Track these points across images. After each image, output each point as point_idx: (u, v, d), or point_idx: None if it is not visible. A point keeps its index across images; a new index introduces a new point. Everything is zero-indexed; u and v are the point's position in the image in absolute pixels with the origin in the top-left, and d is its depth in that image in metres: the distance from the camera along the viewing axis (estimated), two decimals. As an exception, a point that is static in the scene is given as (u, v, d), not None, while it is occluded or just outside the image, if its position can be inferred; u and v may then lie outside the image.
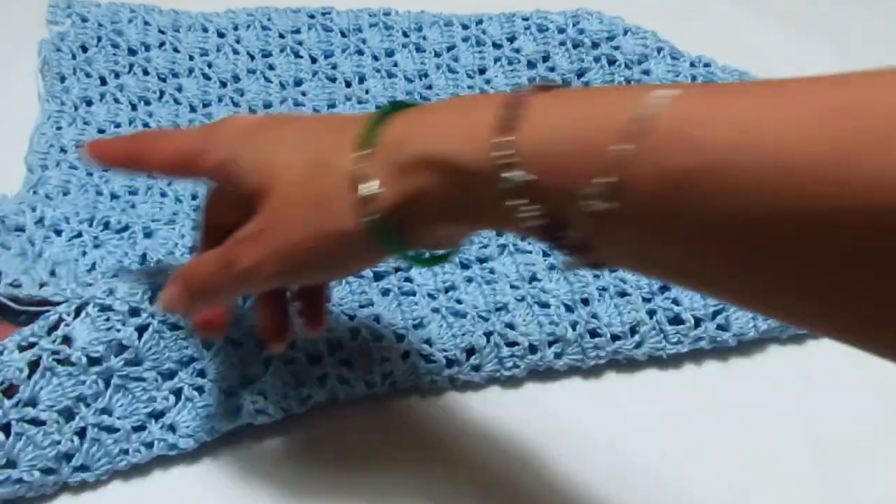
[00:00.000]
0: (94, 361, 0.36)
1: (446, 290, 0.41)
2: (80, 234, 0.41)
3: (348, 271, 0.29)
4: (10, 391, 0.34)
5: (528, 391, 0.41)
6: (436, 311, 0.40)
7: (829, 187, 0.16)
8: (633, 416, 0.40)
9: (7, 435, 0.34)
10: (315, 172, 0.26)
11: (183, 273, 0.30)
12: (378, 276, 0.41)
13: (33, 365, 0.34)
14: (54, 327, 0.36)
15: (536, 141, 0.21)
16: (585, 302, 0.40)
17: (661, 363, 0.41)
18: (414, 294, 0.40)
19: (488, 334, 0.39)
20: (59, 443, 0.35)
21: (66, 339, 0.36)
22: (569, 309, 0.40)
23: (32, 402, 0.35)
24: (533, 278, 0.41)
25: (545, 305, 0.40)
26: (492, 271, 0.41)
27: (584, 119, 0.21)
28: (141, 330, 0.37)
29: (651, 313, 0.40)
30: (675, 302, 0.40)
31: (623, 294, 0.40)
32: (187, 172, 0.32)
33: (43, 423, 0.35)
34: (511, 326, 0.40)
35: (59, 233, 0.41)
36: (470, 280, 0.41)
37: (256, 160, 0.28)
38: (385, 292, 0.40)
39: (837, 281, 0.17)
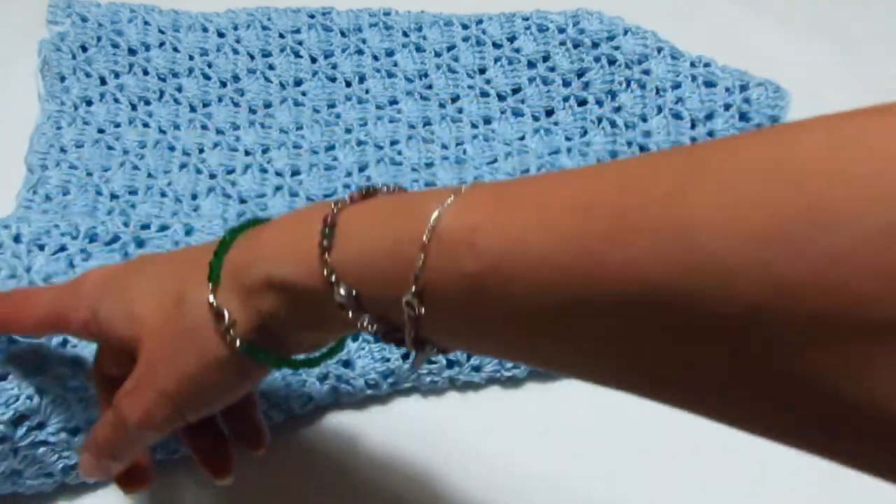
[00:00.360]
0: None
1: None
2: (63, 248, 0.40)
3: (240, 392, 0.29)
4: (19, 419, 0.33)
5: (528, 391, 0.40)
6: (406, 356, 0.39)
7: (584, 280, 0.18)
8: (632, 417, 0.40)
9: (15, 456, 0.33)
10: (177, 311, 0.27)
11: (88, 442, 0.30)
12: None
13: (41, 389, 0.34)
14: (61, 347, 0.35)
15: (351, 257, 0.23)
16: None
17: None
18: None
19: (452, 380, 0.39)
20: (67, 458, 0.35)
21: (75, 361, 0.35)
22: None
23: (41, 426, 0.34)
24: None
25: None
26: None
27: (391, 232, 0.22)
28: None
29: None
30: None
31: None
32: (58, 333, 0.32)
33: (52, 444, 0.34)
34: (477, 369, 0.39)
35: (41, 247, 0.40)
36: None
37: (118, 313, 0.28)
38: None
39: (630, 359, 0.19)
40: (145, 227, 0.41)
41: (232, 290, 0.26)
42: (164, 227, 0.41)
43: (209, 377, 0.26)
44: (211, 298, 0.26)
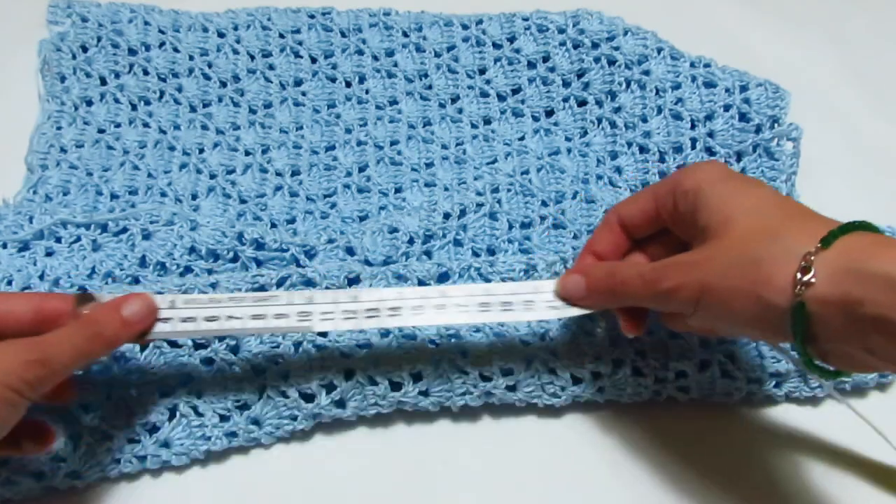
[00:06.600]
0: (99, 372, 0.37)
1: (450, 338, 0.39)
2: (78, 239, 0.41)
3: (745, 333, 0.32)
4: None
5: (530, 421, 0.40)
6: (437, 361, 0.39)
7: None
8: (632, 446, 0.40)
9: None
10: (764, 236, 0.30)
11: (595, 272, 0.35)
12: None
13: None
14: None
15: None
16: (592, 377, 0.39)
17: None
18: (415, 338, 0.39)
19: (488, 395, 0.39)
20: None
21: None
22: (577, 381, 0.39)
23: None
24: (545, 336, 0.40)
25: (553, 372, 0.39)
26: (501, 323, 0.39)
27: None
28: (142, 345, 0.38)
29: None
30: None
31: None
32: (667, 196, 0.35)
33: None
34: (512, 389, 0.39)
35: (58, 240, 0.41)
36: (477, 330, 0.39)
37: (720, 202, 0.32)
38: (384, 333, 0.39)
39: None
40: (154, 220, 0.41)
41: (831, 263, 0.27)
42: (170, 223, 0.41)
43: (743, 305, 0.29)
44: (806, 253, 0.28)
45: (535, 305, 0.36)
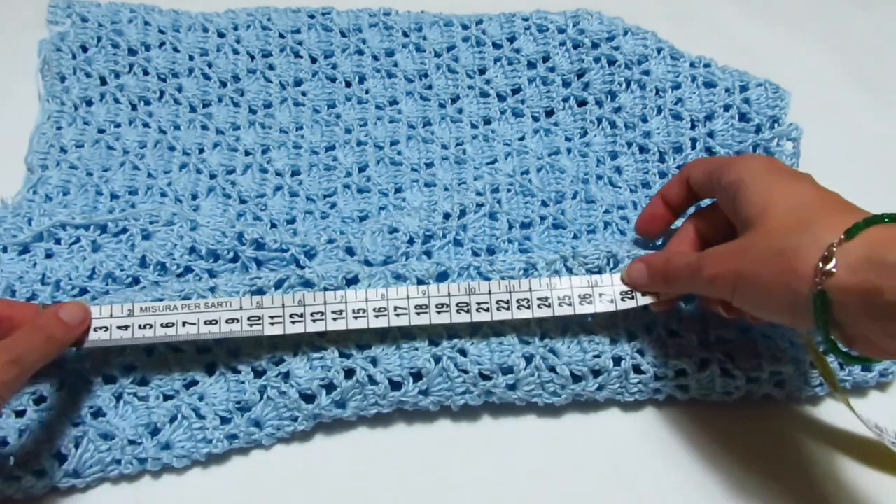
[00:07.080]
0: (109, 379, 0.38)
1: (449, 338, 0.39)
2: (78, 240, 0.41)
3: (778, 320, 0.33)
4: (39, 399, 0.37)
5: (530, 421, 0.40)
6: (437, 359, 0.38)
7: None
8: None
9: (20, 436, 0.35)
10: (795, 228, 0.31)
11: (655, 260, 0.37)
12: None
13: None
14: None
15: None
16: (591, 375, 0.39)
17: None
18: (415, 338, 0.39)
19: (488, 393, 0.39)
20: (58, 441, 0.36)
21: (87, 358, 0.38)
22: (577, 379, 0.39)
23: (51, 408, 0.36)
24: (545, 335, 0.39)
25: (552, 370, 0.39)
26: (501, 321, 0.39)
27: None
28: (149, 351, 0.38)
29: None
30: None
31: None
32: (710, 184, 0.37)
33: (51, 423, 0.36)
34: (512, 387, 0.39)
35: (58, 241, 0.41)
36: (477, 329, 0.39)
37: (759, 195, 0.33)
38: (383, 336, 0.39)
39: None
40: (153, 220, 0.42)
41: (855, 251, 0.28)
42: (169, 223, 0.41)
43: (768, 292, 0.31)
44: (830, 244, 0.29)
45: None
